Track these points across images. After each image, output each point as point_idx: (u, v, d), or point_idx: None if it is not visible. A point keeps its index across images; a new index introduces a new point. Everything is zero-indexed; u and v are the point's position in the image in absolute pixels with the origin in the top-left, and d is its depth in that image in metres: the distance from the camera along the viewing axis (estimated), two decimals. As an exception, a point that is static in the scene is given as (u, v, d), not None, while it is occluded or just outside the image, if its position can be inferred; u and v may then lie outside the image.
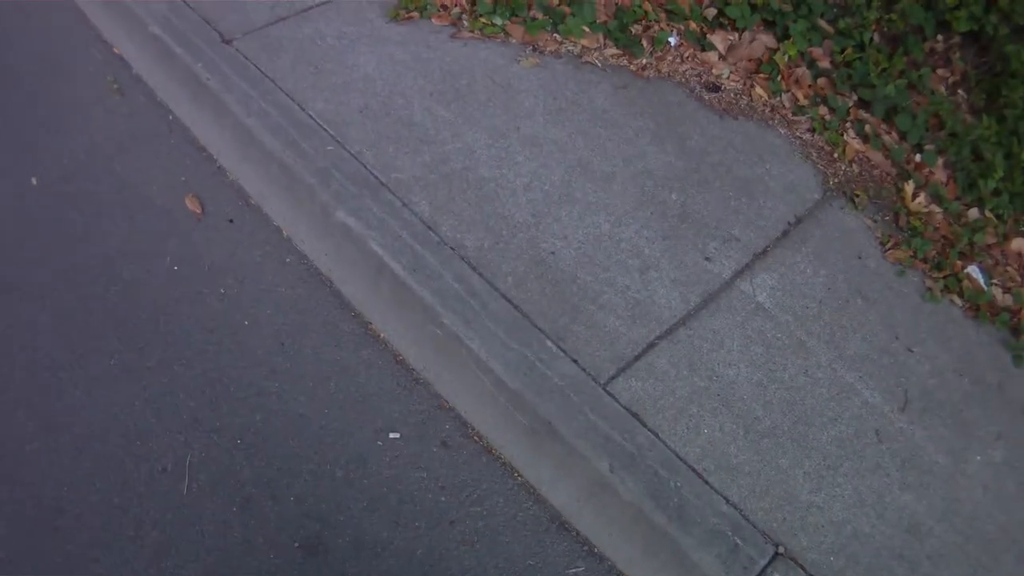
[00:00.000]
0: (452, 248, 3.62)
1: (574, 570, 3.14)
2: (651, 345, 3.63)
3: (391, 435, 3.25)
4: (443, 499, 3.17)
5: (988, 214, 4.57)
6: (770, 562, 3.31)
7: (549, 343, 3.51)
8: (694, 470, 3.39)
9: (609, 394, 3.45)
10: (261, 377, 3.34)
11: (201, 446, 3.13)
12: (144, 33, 4.41)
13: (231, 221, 3.85)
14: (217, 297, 3.63)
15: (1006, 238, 4.56)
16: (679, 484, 3.33)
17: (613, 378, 3.49)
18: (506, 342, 3.47)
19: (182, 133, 4.21)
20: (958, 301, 4.27)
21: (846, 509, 3.47)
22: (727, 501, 3.36)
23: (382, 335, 3.52)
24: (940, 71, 5.10)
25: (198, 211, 3.86)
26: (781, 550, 3.34)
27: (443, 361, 3.44)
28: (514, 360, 3.43)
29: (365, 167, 3.87)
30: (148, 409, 3.30)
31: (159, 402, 3.31)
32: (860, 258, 4.23)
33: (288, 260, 3.78)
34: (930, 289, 4.23)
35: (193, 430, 3.17)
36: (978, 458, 3.81)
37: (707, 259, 3.96)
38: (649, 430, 3.42)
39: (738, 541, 3.29)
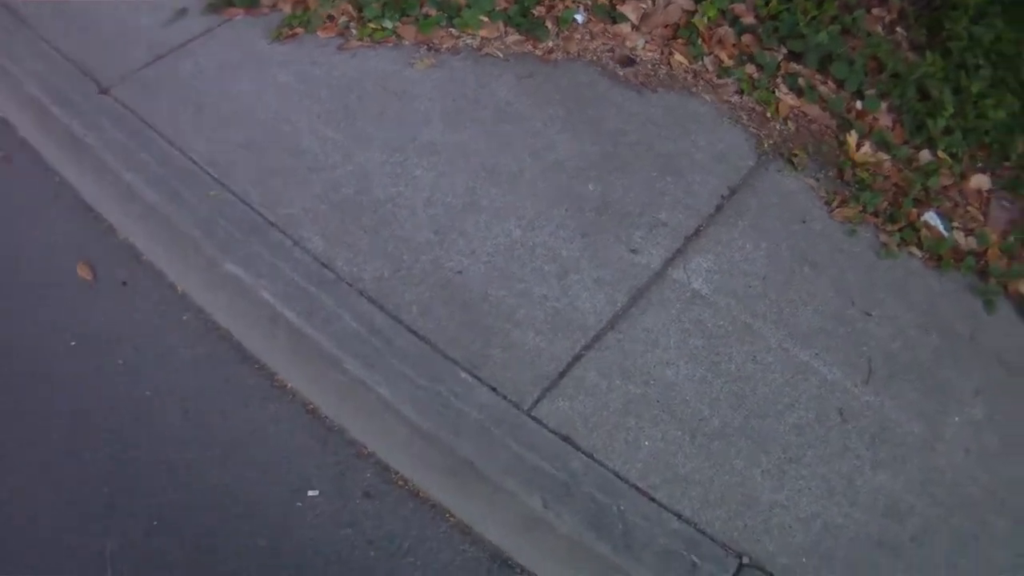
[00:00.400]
0: (349, 284, 3.32)
1: None
2: (577, 357, 3.32)
3: (310, 493, 3.00)
4: (373, 554, 2.92)
5: (941, 155, 4.24)
6: (735, 575, 2.98)
7: (463, 374, 3.22)
8: (638, 489, 3.09)
9: (535, 419, 3.16)
10: (170, 450, 3.08)
11: (119, 533, 2.90)
12: (21, 94, 4.11)
13: (124, 283, 3.59)
14: (116, 369, 3.36)
15: (963, 177, 4.23)
16: (622, 507, 3.03)
17: (538, 401, 3.20)
18: (415, 380, 3.18)
19: (71, 195, 3.93)
20: (917, 252, 3.95)
21: (814, 502, 3.17)
22: (679, 517, 3.06)
23: (289, 386, 3.25)
24: (875, 11, 4.75)
25: (90, 277, 3.59)
26: (746, 560, 3.06)
27: (353, 408, 3.17)
28: (425, 399, 3.14)
29: (252, 208, 3.58)
30: (61, 503, 3.06)
31: (73, 494, 3.07)
32: (804, 222, 3.91)
33: (185, 318, 3.50)
34: (885, 244, 3.91)
35: (109, 518, 2.98)
36: (956, 419, 3.53)
37: (633, 251, 3.64)
38: (583, 453, 3.12)
39: (695, 559, 2.99)
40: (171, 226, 3.56)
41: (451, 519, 3.05)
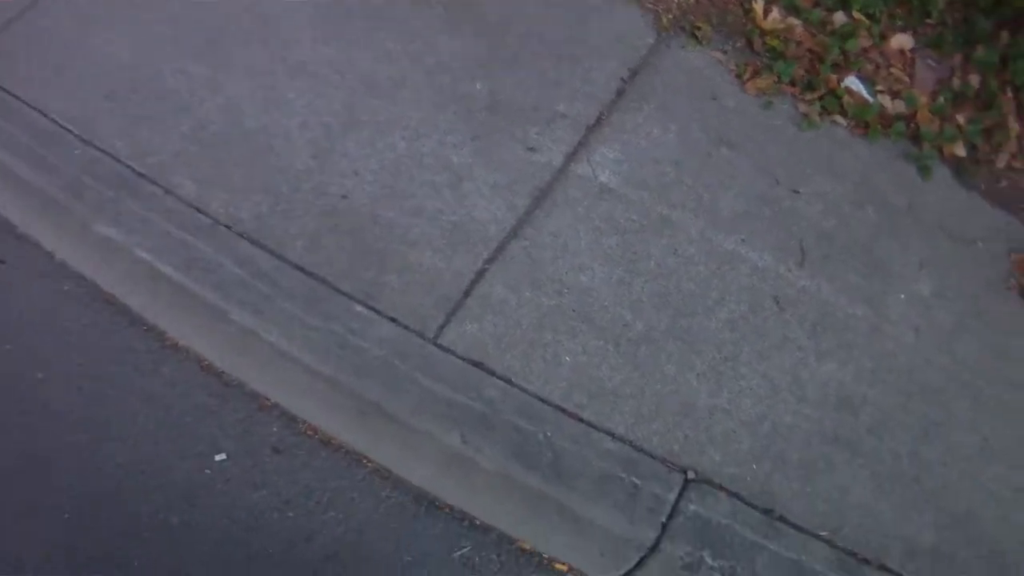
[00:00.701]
0: (227, 226, 2.93)
1: (460, 551, 2.65)
2: (480, 273, 2.94)
3: (217, 458, 2.71)
4: (291, 514, 2.64)
5: (857, 15, 3.88)
6: (681, 493, 2.73)
7: (359, 307, 2.84)
8: (563, 410, 2.74)
9: (442, 348, 2.81)
10: (70, 434, 2.74)
11: (32, 532, 2.60)
12: None
13: (3, 262, 3.10)
14: (4, 356, 2.92)
15: (883, 37, 3.88)
16: (548, 433, 2.67)
17: (443, 327, 2.85)
18: (307, 321, 2.80)
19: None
20: (841, 121, 3.60)
21: (758, 403, 2.85)
22: (612, 436, 2.71)
23: (180, 344, 2.88)
24: None
25: (-32, 262, 3.09)
26: (691, 475, 2.76)
27: (248, 359, 2.85)
28: (320, 340, 2.78)
29: (119, 161, 3.12)
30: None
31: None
32: (715, 99, 3.54)
33: (67, 288, 3.06)
34: (805, 115, 3.56)
35: (27, 517, 2.62)
36: (902, 297, 3.24)
37: (530, 149, 3.23)
38: (498, 378, 2.76)
39: (635, 481, 2.66)
40: (40, 194, 3.10)
41: (368, 464, 2.75)
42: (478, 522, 2.69)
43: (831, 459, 2.84)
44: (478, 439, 2.65)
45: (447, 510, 2.70)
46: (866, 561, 2.72)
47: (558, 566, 2.66)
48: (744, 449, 2.79)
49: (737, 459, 2.78)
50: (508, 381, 2.76)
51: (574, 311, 2.91)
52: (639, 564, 2.63)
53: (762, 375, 2.92)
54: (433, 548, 2.64)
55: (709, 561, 2.63)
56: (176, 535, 2.59)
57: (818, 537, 2.72)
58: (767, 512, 2.73)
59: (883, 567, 2.72)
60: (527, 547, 2.67)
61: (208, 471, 2.68)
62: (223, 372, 2.84)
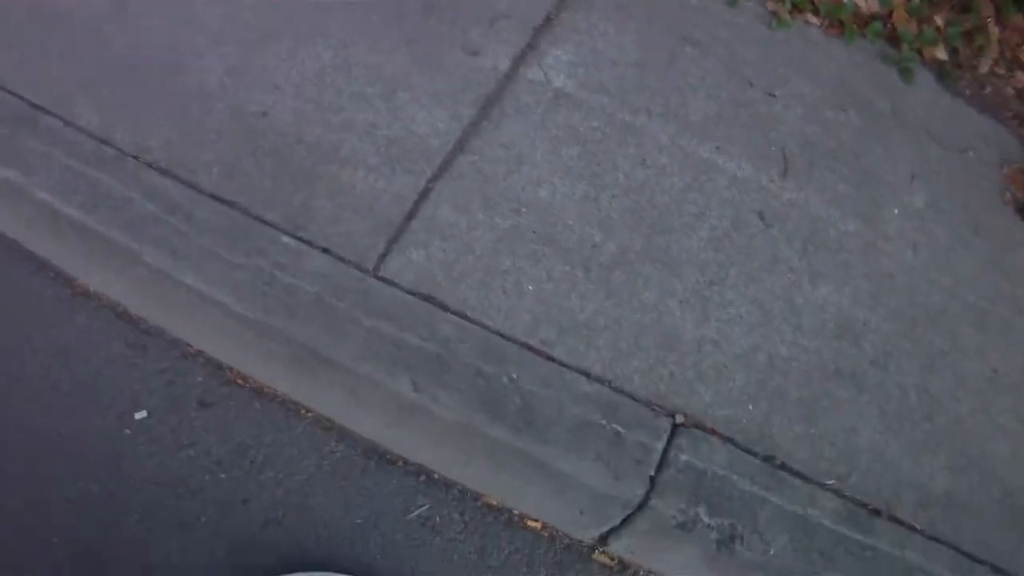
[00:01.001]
0: (135, 157, 2.48)
1: (417, 510, 2.32)
2: (424, 193, 2.48)
3: (137, 416, 2.34)
4: (224, 476, 2.29)
5: (817, -95, 3.44)
6: (670, 441, 2.33)
7: (286, 239, 2.37)
8: (529, 348, 2.32)
9: (384, 280, 2.37)
10: None
11: None
12: None
13: None
14: None
15: (851, -72, 3.45)
16: (514, 376, 2.24)
17: (384, 256, 2.41)
18: (229, 258, 2.35)
19: None
20: (814, 20, 3.22)
21: (750, 332, 2.45)
22: (587, 376, 2.29)
23: (91, 290, 2.47)
24: None
25: None
26: (680, 419, 2.37)
27: (166, 303, 2.43)
28: (245, 279, 2.33)
29: (13, 94, 2.60)
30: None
31: None
32: (676, -5, 3.07)
33: None
34: (775, 13, 3.15)
35: None
36: (895, 211, 2.90)
37: (473, 53, 2.77)
38: (452, 313, 2.32)
39: (617, 428, 2.25)
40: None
41: (308, 415, 2.38)
42: (437, 476, 2.34)
43: (834, 396, 2.45)
44: (432, 385, 2.21)
45: (401, 464, 2.35)
46: (876, 512, 2.37)
47: (530, 523, 2.34)
48: (737, 387, 2.40)
49: (730, 398, 2.39)
50: (463, 316, 2.32)
51: (535, 232, 2.46)
52: (625, 522, 2.26)
53: (752, 300, 2.51)
54: (386, 508, 2.30)
55: (705, 519, 2.26)
56: (97, 505, 2.24)
57: (825, 487, 2.37)
58: (768, 460, 2.36)
59: (894, 518, 2.38)
60: (494, 503, 2.34)
61: (129, 431, 2.32)
62: (141, 319, 2.45)
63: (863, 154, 2.92)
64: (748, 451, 2.35)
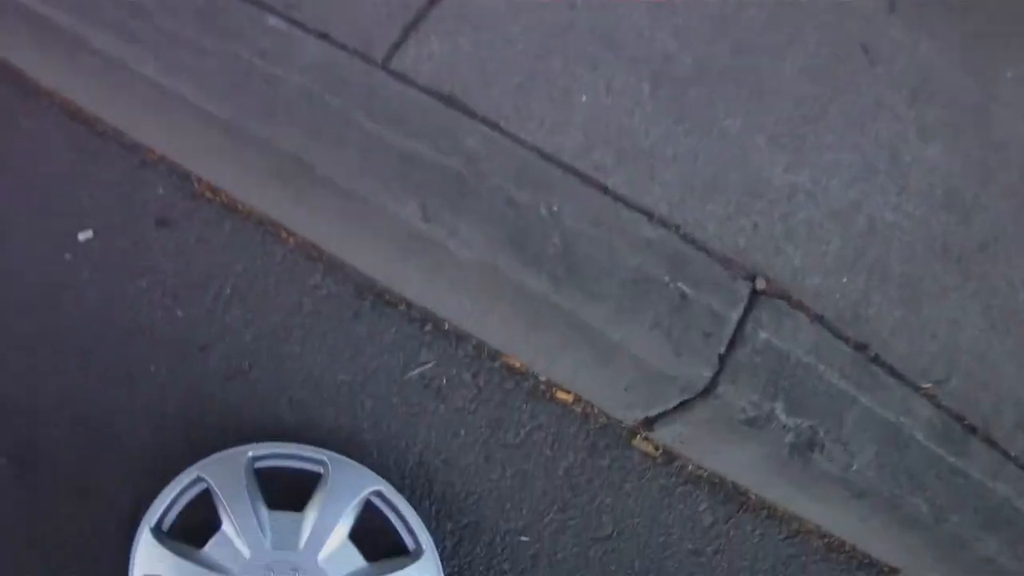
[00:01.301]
0: None
1: (419, 368, 1.88)
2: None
3: (81, 236, 1.90)
4: (181, 314, 1.86)
5: None
6: (747, 311, 1.82)
7: (272, 19, 1.85)
8: (577, 173, 1.79)
9: (396, 76, 1.84)
10: None
11: None
12: None
13: None
14: None
15: None
16: (555, 207, 1.72)
17: (399, 45, 1.87)
18: (197, 42, 1.80)
19: None
20: None
21: (850, 185, 2.01)
22: (650, 217, 1.77)
23: (41, 84, 1.99)
24: None
25: None
26: (761, 284, 1.86)
27: (124, 98, 1.94)
28: (219, 69, 1.80)
29: None
30: None
31: None
32: None
33: None
34: None
35: None
36: (1009, 75, 2.35)
37: None
38: (480, 121, 1.83)
39: (684, 288, 1.79)
40: None
41: (290, 240, 1.91)
42: (447, 327, 1.90)
43: (939, 279, 1.99)
44: (448, 212, 1.70)
45: (402, 308, 1.90)
46: (972, 430, 1.92)
47: (560, 395, 1.91)
48: (832, 252, 1.92)
49: (823, 265, 1.91)
50: (494, 126, 1.79)
51: (593, 31, 1.90)
52: (680, 408, 1.80)
53: (853, 147, 2.02)
54: (381, 363, 1.87)
55: (782, 416, 1.77)
56: (30, 352, 1.83)
57: (920, 391, 1.90)
58: (860, 349, 1.88)
59: (990, 440, 1.93)
60: (517, 366, 1.90)
61: (70, 256, 1.88)
62: (96, 119, 1.97)
63: (977, 6, 2.35)
64: (839, 335, 1.87)
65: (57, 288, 1.85)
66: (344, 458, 1.75)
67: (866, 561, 1.98)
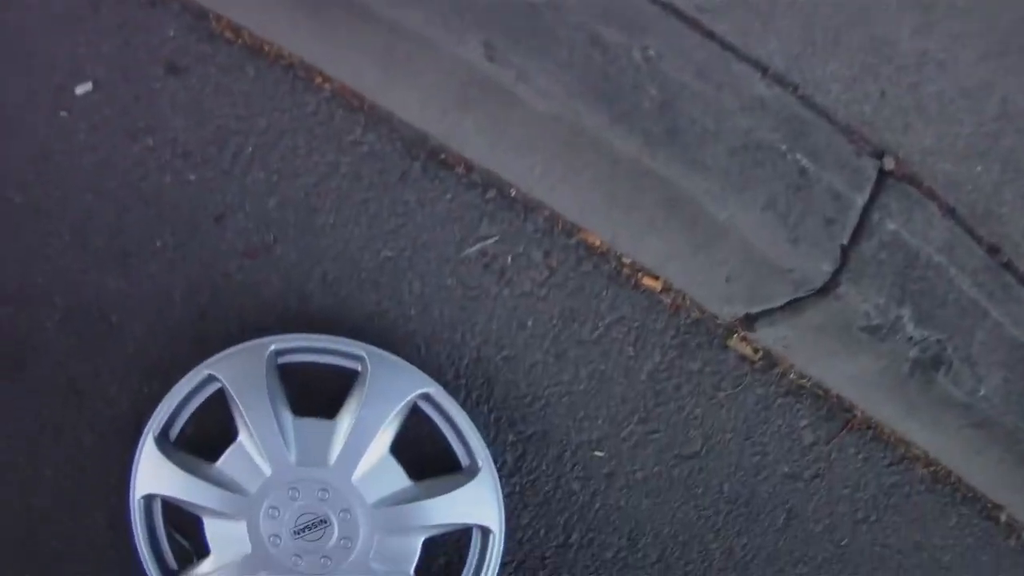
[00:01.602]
0: None
1: (480, 243, 1.61)
2: None
3: (79, 89, 1.62)
4: (193, 178, 1.60)
5: None
6: (872, 198, 1.52)
7: None
8: (678, 13, 1.51)
9: None
10: None
11: None
12: None
13: None
14: None
15: None
16: (651, 52, 1.49)
17: None
18: None
19: None
20: None
21: (981, 61, 1.67)
22: (764, 72, 1.55)
23: None
24: None
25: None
26: (890, 164, 1.56)
27: None
28: None
29: None
30: None
31: None
32: None
33: None
34: None
35: None
36: None
37: None
38: None
39: (804, 162, 1.49)
40: None
41: (326, 87, 1.61)
42: (514, 194, 1.61)
43: None
44: (519, 54, 1.44)
45: (460, 170, 1.61)
46: None
47: (647, 282, 1.62)
48: (964, 135, 1.63)
49: (954, 149, 1.62)
50: None
51: None
52: (789, 307, 1.54)
53: (986, 16, 1.71)
54: (434, 236, 1.60)
55: (909, 327, 1.53)
56: (18, 230, 1.64)
57: None
58: (992, 252, 1.62)
59: None
60: (597, 244, 1.61)
61: (65, 113, 1.64)
62: None
63: None
64: (972, 234, 1.60)
65: (49, 152, 1.62)
66: (386, 353, 1.49)
67: (970, 495, 1.75)
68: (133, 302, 1.59)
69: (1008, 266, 1.62)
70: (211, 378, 1.48)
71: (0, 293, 1.62)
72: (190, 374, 1.48)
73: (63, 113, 1.62)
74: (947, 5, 1.70)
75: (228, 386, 1.46)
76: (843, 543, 1.71)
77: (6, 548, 1.65)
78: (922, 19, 1.66)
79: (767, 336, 1.58)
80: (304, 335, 1.50)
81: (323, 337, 1.50)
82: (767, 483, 1.65)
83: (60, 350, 1.60)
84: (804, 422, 1.64)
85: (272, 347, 1.48)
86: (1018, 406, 1.59)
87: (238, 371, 1.47)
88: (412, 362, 1.49)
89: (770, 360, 1.62)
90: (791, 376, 1.63)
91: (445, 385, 1.50)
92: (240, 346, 1.48)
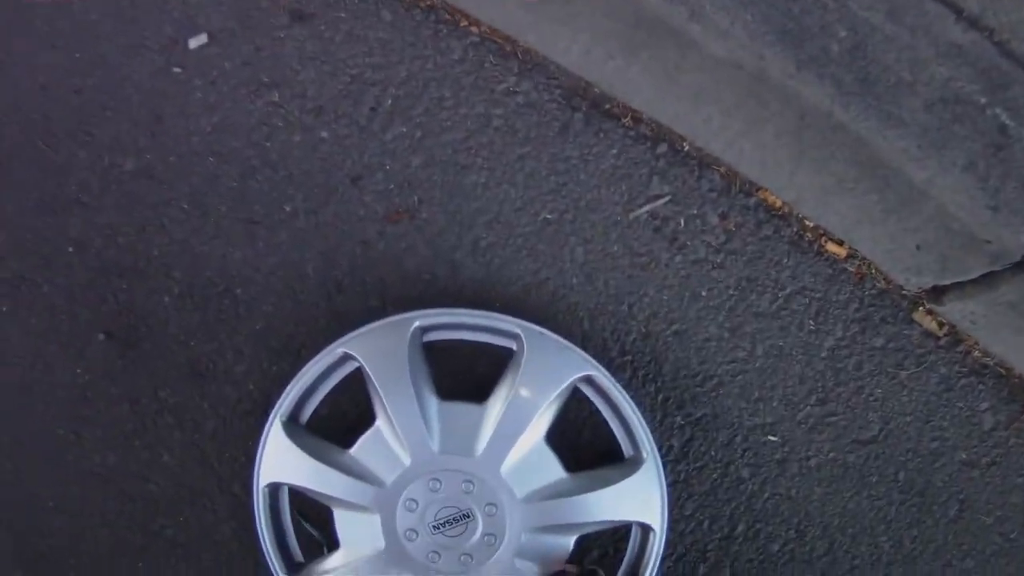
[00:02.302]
0: None
1: (649, 204, 1.46)
2: None
3: (193, 42, 1.48)
4: (326, 135, 1.49)
5: None
6: None
7: None
8: None
9: None
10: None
11: None
12: None
13: None
14: None
15: None
16: None
17: None
18: None
19: None
20: None
21: None
22: (959, 16, 1.41)
23: None
24: None
25: None
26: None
27: None
28: None
29: None
30: None
31: None
32: None
33: None
34: None
35: None
36: None
37: None
38: None
39: (1005, 118, 1.32)
40: None
41: (474, 31, 1.47)
42: (687, 148, 1.45)
43: None
44: None
45: (627, 121, 1.45)
46: None
47: (831, 248, 1.47)
48: None
49: None
50: None
51: None
52: (982, 280, 1.40)
53: None
54: (599, 196, 1.46)
55: None
56: (132, 200, 1.51)
57: None
58: None
59: None
60: (777, 204, 1.46)
61: (179, 69, 1.50)
62: None
63: None
64: None
65: (162, 113, 1.50)
66: (544, 330, 1.35)
67: None
68: (260, 275, 1.47)
69: None
70: (347, 357, 1.35)
71: (114, 267, 1.50)
72: (323, 352, 1.36)
73: (176, 69, 1.50)
74: None
75: (366, 366, 1.33)
76: (1012, 536, 1.56)
77: (121, 538, 1.54)
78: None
79: (955, 311, 1.43)
80: (452, 310, 1.37)
81: (474, 312, 1.37)
82: (943, 471, 1.50)
83: (179, 327, 1.48)
84: (985, 404, 1.49)
85: (416, 323, 1.34)
86: None
87: (377, 349, 1.34)
88: (573, 339, 1.34)
89: (955, 336, 1.47)
90: (975, 354, 1.48)
91: (609, 363, 1.36)
92: (380, 322, 1.35)
